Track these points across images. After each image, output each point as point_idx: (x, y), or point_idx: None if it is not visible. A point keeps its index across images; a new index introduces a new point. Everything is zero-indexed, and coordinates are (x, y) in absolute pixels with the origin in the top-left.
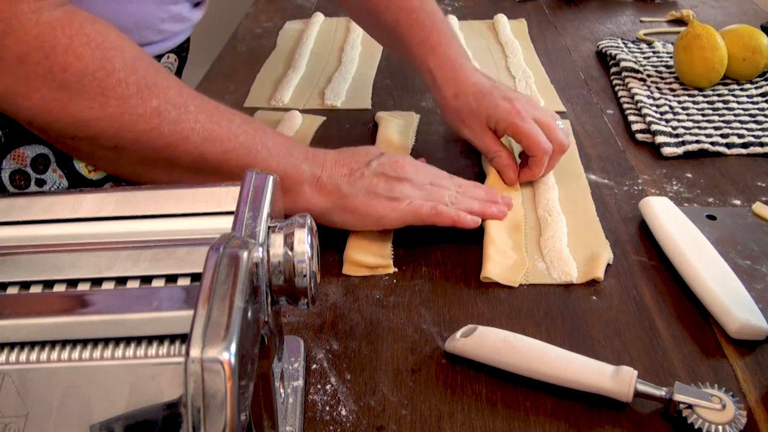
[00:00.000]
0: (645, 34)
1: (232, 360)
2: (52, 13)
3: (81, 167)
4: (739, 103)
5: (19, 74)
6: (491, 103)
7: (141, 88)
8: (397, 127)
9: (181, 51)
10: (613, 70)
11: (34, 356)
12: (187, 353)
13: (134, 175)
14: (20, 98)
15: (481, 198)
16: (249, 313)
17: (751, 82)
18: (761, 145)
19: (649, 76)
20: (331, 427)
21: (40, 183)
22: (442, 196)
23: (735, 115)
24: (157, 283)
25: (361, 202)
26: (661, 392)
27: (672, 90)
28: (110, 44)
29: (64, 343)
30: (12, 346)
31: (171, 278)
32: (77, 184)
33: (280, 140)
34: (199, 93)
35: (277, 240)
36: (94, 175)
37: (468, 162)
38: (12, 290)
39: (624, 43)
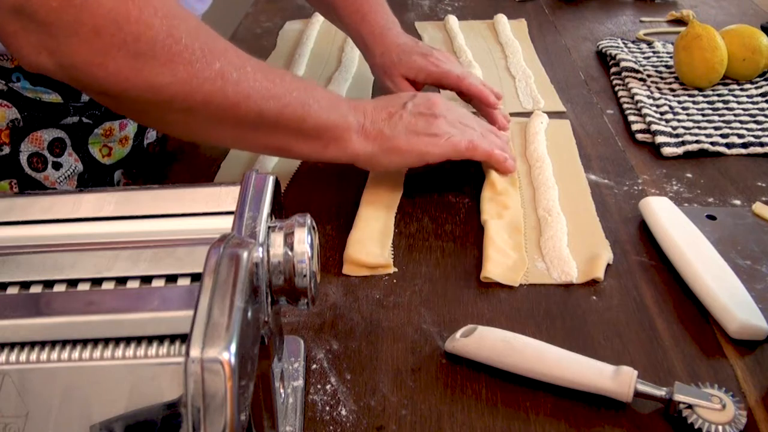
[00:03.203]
0: (645, 34)
1: (232, 360)
2: None
3: (95, 152)
4: (739, 103)
5: (95, 46)
6: (410, 58)
7: (205, 53)
8: None
9: None
10: (613, 70)
11: (34, 356)
12: (187, 353)
13: (202, 136)
14: (96, 68)
15: (498, 145)
16: (249, 313)
17: (751, 82)
18: (761, 145)
19: (649, 76)
20: (331, 427)
21: (57, 166)
22: (472, 134)
23: (735, 115)
24: (157, 283)
25: (404, 142)
26: (661, 392)
27: (672, 90)
28: (174, 13)
29: (64, 343)
30: (12, 346)
31: (171, 278)
32: (91, 168)
33: (326, 94)
34: (250, 56)
35: (277, 240)
36: (107, 159)
37: (467, 161)
38: (12, 290)
39: (624, 43)
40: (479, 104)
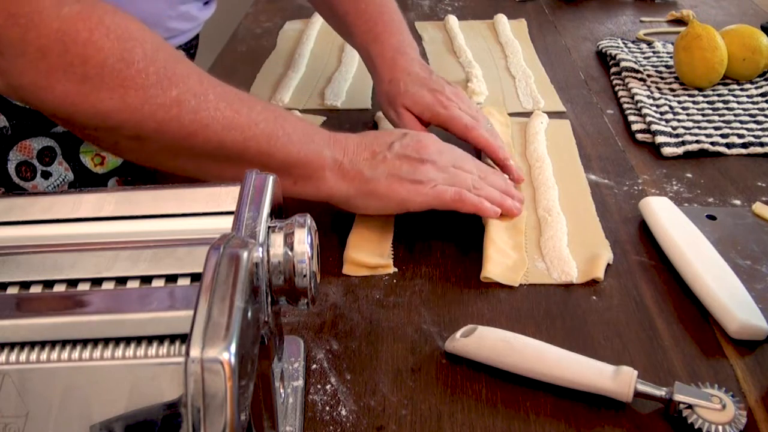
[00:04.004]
0: (645, 34)
1: (232, 360)
2: (72, 7)
3: (87, 161)
4: (739, 103)
5: (41, 68)
6: (418, 92)
7: (161, 78)
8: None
9: (190, 48)
10: (613, 70)
11: (34, 356)
12: (187, 353)
13: (158, 164)
14: (43, 91)
15: (500, 187)
16: (249, 313)
17: (751, 82)
18: (761, 145)
19: (649, 76)
20: (331, 427)
21: (46, 175)
22: (464, 180)
23: (735, 115)
24: (157, 283)
25: (384, 186)
26: (661, 392)
27: (672, 90)
28: (130, 35)
29: (64, 343)
30: (12, 346)
31: (171, 278)
32: (83, 177)
33: (301, 126)
34: (221, 81)
35: (277, 240)
36: (99, 168)
37: None
38: (12, 290)
39: (624, 43)
40: (489, 157)
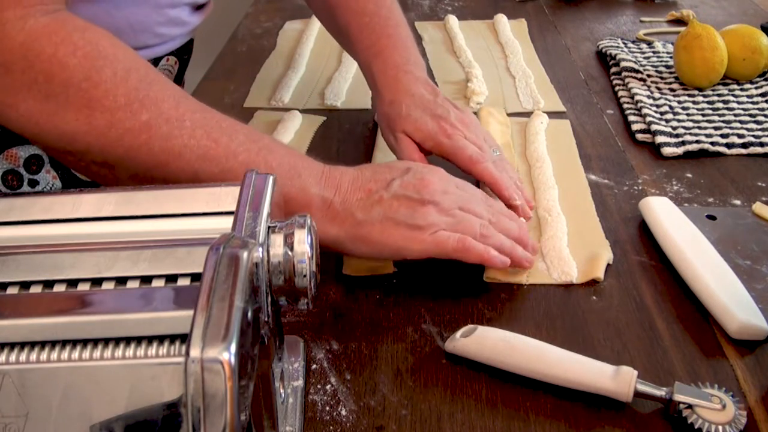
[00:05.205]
0: (645, 34)
1: (232, 360)
2: (38, 21)
3: None
4: (739, 103)
5: (5, 84)
6: (420, 117)
7: (130, 101)
8: None
9: (183, 53)
10: (613, 70)
11: (34, 356)
12: (187, 353)
13: None
14: (8, 108)
15: (513, 233)
16: (249, 313)
17: (751, 82)
18: (761, 145)
19: (649, 76)
20: (331, 427)
21: (33, 183)
22: (471, 226)
23: (735, 115)
24: (157, 283)
25: (377, 231)
26: (661, 392)
27: (672, 90)
28: (100, 54)
29: (64, 343)
30: (12, 346)
31: (171, 278)
32: (71, 185)
33: (288, 160)
34: (205, 106)
35: (277, 240)
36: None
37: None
38: (12, 290)
39: (624, 43)
40: (494, 194)
